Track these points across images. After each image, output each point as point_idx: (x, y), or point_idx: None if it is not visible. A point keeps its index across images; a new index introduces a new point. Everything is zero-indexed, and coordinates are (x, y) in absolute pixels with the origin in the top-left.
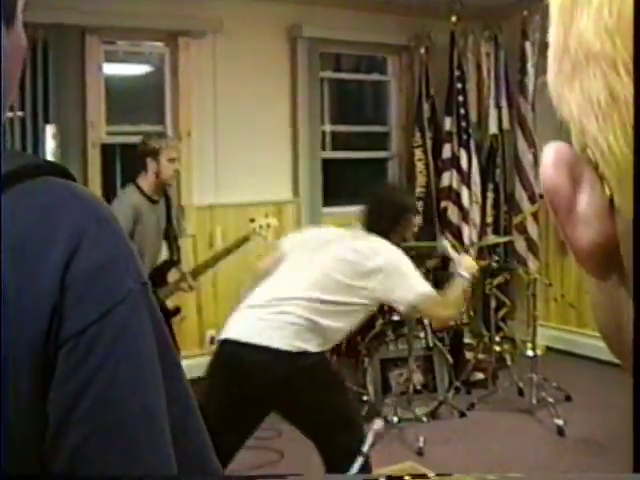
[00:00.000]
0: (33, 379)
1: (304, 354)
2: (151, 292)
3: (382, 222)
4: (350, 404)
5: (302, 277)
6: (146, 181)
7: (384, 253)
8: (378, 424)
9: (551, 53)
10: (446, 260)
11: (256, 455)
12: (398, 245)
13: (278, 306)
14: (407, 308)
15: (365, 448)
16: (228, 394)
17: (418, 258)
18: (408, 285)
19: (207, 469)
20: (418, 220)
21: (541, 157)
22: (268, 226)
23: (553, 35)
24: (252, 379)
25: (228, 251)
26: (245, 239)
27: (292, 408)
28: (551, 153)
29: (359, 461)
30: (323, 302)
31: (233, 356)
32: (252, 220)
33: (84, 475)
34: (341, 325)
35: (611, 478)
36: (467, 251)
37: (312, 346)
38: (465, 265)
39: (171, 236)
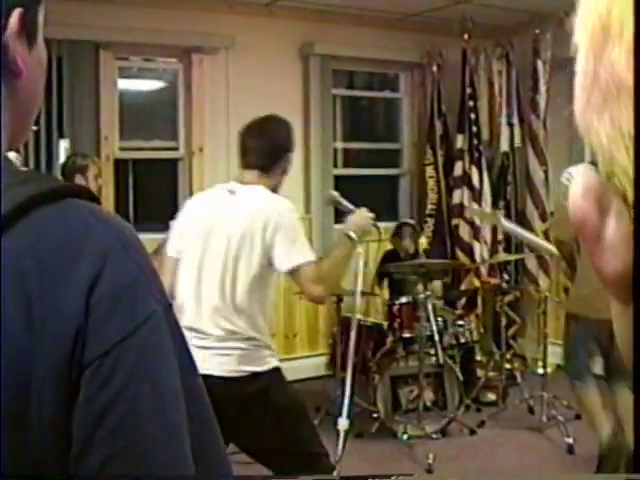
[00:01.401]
0: (57, 399)
1: (254, 376)
2: (174, 313)
3: (260, 161)
4: (311, 439)
5: (215, 283)
6: None
7: (274, 207)
8: (341, 423)
9: (579, 82)
10: (457, 276)
11: (252, 470)
12: (275, 190)
13: (213, 331)
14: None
15: (339, 453)
16: None
17: (429, 275)
18: (290, 250)
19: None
20: (429, 237)
21: (570, 186)
22: None
23: (582, 64)
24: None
25: None
26: None
27: (246, 438)
28: (580, 183)
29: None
30: (243, 306)
31: None
32: None
33: (84, 475)
34: (267, 308)
35: (612, 478)
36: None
37: (259, 364)
38: (355, 221)
39: None
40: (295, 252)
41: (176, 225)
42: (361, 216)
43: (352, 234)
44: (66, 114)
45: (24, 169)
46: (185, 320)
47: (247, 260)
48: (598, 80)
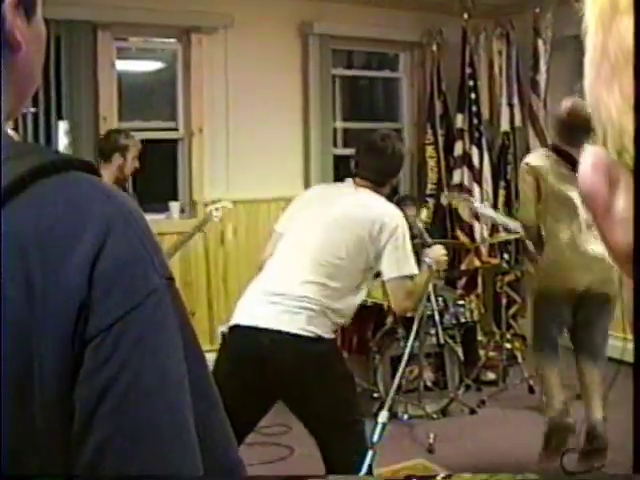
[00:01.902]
0: (59, 375)
1: (317, 340)
2: (177, 287)
3: (375, 174)
4: (358, 406)
5: (307, 256)
6: (106, 173)
7: (392, 216)
8: (383, 416)
9: (589, 58)
10: (457, 256)
11: (266, 451)
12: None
13: (288, 291)
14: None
15: (375, 439)
16: (237, 379)
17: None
18: (400, 259)
19: (230, 463)
20: (429, 216)
21: (580, 161)
22: (217, 210)
23: (591, 40)
24: (262, 363)
25: (183, 241)
26: (203, 223)
27: (300, 397)
28: (589, 157)
29: (369, 455)
30: (331, 283)
31: (243, 340)
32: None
33: (85, 475)
34: (351, 303)
35: (613, 478)
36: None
37: (325, 331)
38: (434, 254)
39: None
40: (404, 264)
41: (290, 207)
42: (438, 252)
43: (432, 264)
44: (64, 95)
45: (24, 142)
46: (263, 280)
47: (348, 245)
48: (607, 53)
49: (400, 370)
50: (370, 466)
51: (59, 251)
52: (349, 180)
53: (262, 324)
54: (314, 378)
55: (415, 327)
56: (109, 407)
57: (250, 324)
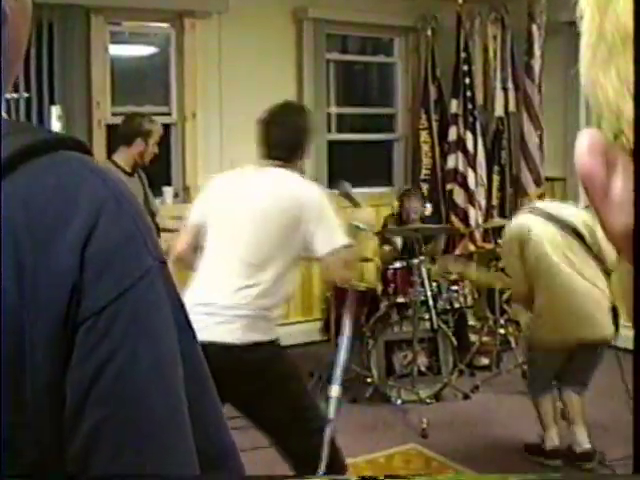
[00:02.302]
0: (52, 358)
1: (256, 346)
2: (169, 270)
3: (281, 150)
4: (310, 404)
5: (236, 258)
6: (125, 157)
7: (311, 191)
8: (335, 390)
9: (585, 40)
10: (452, 241)
11: (258, 435)
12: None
13: (221, 300)
14: (321, 260)
15: (331, 414)
16: None
17: (424, 240)
18: (330, 233)
19: (223, 444)
20: (424, 203)
21: (576, 144)
22: None
23: (587, 22)
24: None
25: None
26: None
27: (245, 405)
28: (586, 139)
29: (328, 429)
30: (264, 279)
31: None
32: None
33: (87, 475)
34: (285, 290)
35: (612, 478)
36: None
37: (263, 334)
38: (363, 216)
39: (149, 213)
40: (335, 236)
41: (198, 199)
42: (367, 213)
43: (361, 225)
44: (57, 80)
45: (14, 120)
46: (197, 289)
47: (273, 237)
48: (604, 34)
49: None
50: (333, 441)
51: (49, 233)
52: (258, 164)
53: (199, 337)
54: (256, 386)
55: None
56: (102, 391)
57: None
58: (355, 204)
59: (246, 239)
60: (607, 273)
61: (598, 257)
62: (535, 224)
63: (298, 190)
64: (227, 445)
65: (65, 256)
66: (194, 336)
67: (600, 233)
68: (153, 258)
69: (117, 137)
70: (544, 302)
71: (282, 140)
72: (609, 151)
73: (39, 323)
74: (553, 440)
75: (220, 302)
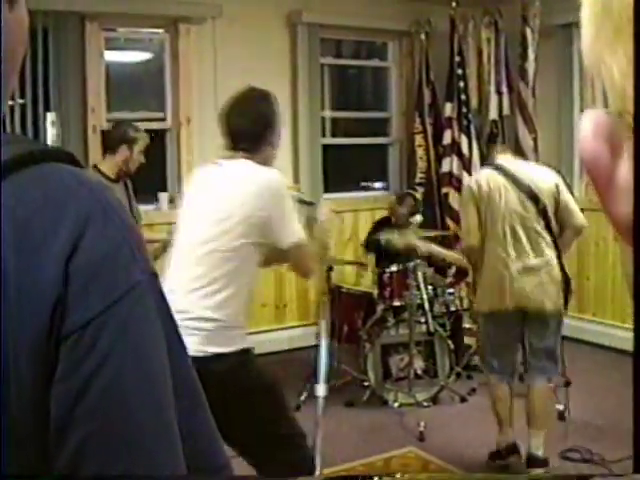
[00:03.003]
0: (36, 372)
1: (219, 358)
2: (160, 283)
3: (243, 140)
4: (286, 418)
5: (198, 265)
6: (109, 164)
7: (272, 182)
8: (320, 390)
9: (587, 15)
10: (448, 245)
11: None
12: (266, 164)
13: (185, 308)
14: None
15: (319, 412)
16: None
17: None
18: (292, 225)
19: (216, 462)
20: (419, 206)
21: (580, 125)
22: None
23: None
24: None
25: (165, 247)
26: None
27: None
28: (589, 123)
29: (318, 430)
30: (227, 284)
31: None
32: None
33: (85, 475)
34: (242, 301)
35: (612, 478)
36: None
37: (228, 345)
38: (323, 211)
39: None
40: (296, 228)
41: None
42: (327, 208)
43: (322, 218)
44: (52, 86)
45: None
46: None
47: (229, 235)
48: (610, 12)
49: None
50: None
51: (35, 244)
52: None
53: None
54: (221, 399)
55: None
56: (88, 406)
57: None
58: (309, 203)
59: (209, 244)
60: (556, 246)
61: (549, 226)
62: (494, 179)
63: (260, 179)
64: (220, 461)
65: (49, 268)
66: (185, 350)
67: (565, 202)
68: (142, 271)
69: (103, 145)
70: (487, 272)
71: (244, 130)
72: (614, 134)
73: (23, 336)
74: (507, 436)
75: (185, 310)
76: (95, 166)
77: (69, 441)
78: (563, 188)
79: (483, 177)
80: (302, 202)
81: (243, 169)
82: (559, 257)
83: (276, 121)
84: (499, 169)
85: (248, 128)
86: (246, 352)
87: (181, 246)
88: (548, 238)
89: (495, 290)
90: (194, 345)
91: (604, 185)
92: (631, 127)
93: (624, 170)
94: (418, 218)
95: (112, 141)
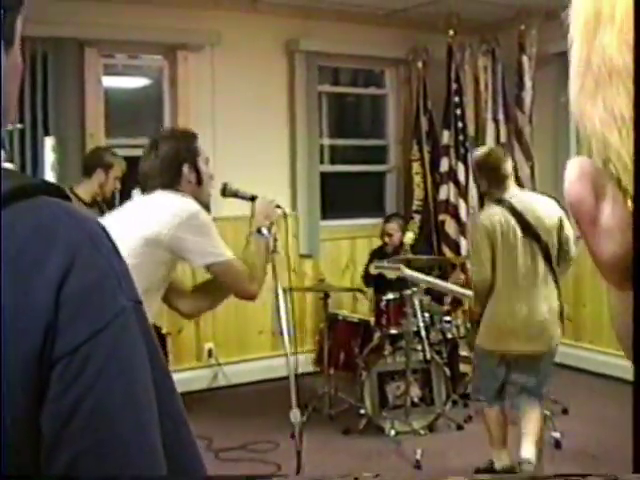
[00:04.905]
0: (27, 395)
1: None
2: (144, 310)
3: (154, 178)
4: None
5: None
6: (85, 188)
7: (182, 209)
8: (295, 415)
9: (573, 70)
10: (446, 273)
11: (252, 467)
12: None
13: None
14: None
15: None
16: None
17: (416, 272)
18: (207, 246)
19: (197, 476)
20: (415, 233)
21: (564, 172)
22: None
23: (576, 52)
24: None
25: None
26: None
27: None
28: (575, 167)
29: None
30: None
31: None
32: None
33: (83, 476)
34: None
35: (612, 478)
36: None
37: None
38: (260, 211)
39: None
40: (219, 248)
41: None
42: (263, 204)
43: (264, 230)
44: (51, 111)
45: None
46: None
47: (152, 277)
48: (591, 66)
49: None
50: None
51: (27, 273)
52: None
53: None
54: None
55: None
56: (75, 428)
57: None
58: (251, 198)
59: None
60: (557, 283)
61: (552, 265)
62: (506, 220)
63: (170, 208)
64: (202, 478)
65: (41, 295)
66: (168, 374)
67: (566, 237)
68: (127, 298)
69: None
70: (493, 309)
71: (153, 173)
72: (598, 179)
73: (15, 358)
74: (501, 459)
75: None
76: (71, 189)
77: (59, 460)
78: (565, 222)
79: (496, 217)
80: (240, 197)
81: (161, 201)
82: (559, 292)
83: (188, 158)
84: (508, 207)
85: (157, 171)
86: None
87: None
88: (550, 277)
89: (503, 334)
90: None
91: (588, 225)
92: (614, 176)
93: (607, 211)
94: (410, 235)
95: (88, 165)
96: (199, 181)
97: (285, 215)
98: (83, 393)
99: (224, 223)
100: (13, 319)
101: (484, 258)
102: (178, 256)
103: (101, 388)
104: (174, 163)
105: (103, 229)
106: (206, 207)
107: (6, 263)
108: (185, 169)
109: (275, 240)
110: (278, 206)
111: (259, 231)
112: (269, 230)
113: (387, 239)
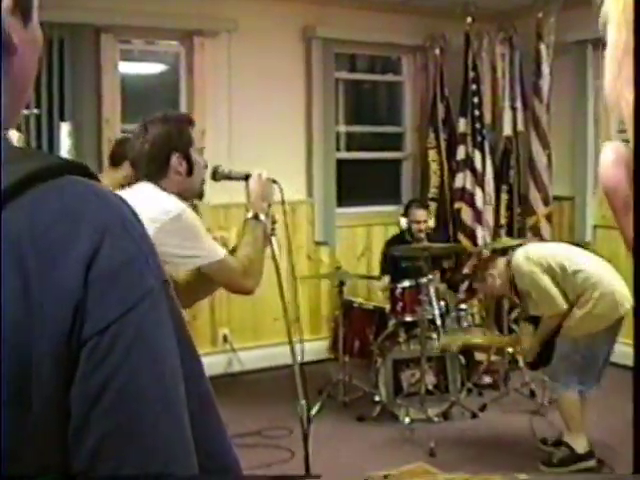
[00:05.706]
0: (57, 376)
1: None
2: (172, 289)
3: (141, 167)
4: None
5: None
6: (109, 179)
7: (168, 209)
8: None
9: (610, 55)
10: (460, 260)
11: (266, 453)
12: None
13: None
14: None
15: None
16: None
17: (432, 259)
18: (202, 247)
19: (226, 462)
20: (431, 221)
21: (600, 156)
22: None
23: (614, 36)
24: None
25: None
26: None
27: None
28: (610, 153)
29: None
30: None
31: None
32: None
33: (90, 475)
34: None
35: (612, 478)
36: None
37: None
38: (255, 192)
39: None
40: (204, 249)
41: None
42: (258, 183)
43: (261, 216)
44: (68, 97)
45: (21, 146)
46: None
47: None
48: (630, 51)
49: None
50: None
51: (54, 254)
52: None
53: None
54: None
55: None
56: (103, 408)
57: None
58: (244, 178)
59: None
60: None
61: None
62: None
63: (156, 207)
64: (230, 462)
65: (70, 276)
66: (196, 354)
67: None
68: (155, 278)
69: (99, 156)
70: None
71: (139, 161)
72: (633, 164)
73: (44, 339)
74: (583, 445)
75: None
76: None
77: (87, 440)
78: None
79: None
80: (233, 178)
81: (146, 199)
82: None
83: (179, 146)
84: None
85: (144, 156)
86: None
87: None
88: None
89: (616, 300)
90: None
91: (622, 210)
92: None
93: None
94: (430, 224)
95: (116, 156)
96: (189, 171)
97: (281, 190)
98: (111, 373)
99: (238, 209)
100: (42, 302)
101: (551, 290)
102: (164, 262)
103: (129, 368)
104: (163, 150)
105: (133, 213)
106: (199, 196)
107: (33, 245)
108: (174, 158)
109: (273, 222)
110: (274, 181)
111: (256, 217)
112: (266, 214)
113: (415, 226)
